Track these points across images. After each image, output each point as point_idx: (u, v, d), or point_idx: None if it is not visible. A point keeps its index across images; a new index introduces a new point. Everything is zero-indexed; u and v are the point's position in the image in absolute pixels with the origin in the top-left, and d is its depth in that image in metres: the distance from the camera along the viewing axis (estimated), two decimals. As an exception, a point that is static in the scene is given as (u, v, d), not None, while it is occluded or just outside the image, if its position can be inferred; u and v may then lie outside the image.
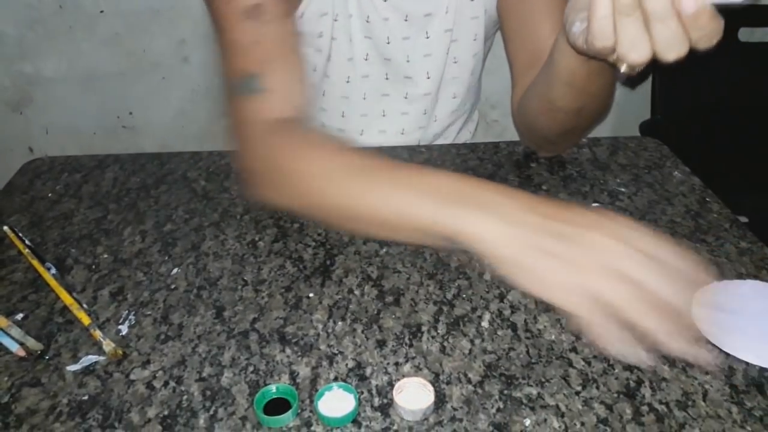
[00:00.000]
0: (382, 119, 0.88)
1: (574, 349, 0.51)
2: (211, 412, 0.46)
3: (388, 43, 0.81)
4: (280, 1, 0.64)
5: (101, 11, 1.22)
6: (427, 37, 0.81)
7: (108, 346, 0.52)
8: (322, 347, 0.52)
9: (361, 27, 0.80)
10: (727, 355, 0.51)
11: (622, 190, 0.74)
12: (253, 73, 0.62)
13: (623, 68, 0.48)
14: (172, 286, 0.59)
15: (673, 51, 0.44)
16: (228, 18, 0.64)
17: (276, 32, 0.64)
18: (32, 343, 0.53)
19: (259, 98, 0.62)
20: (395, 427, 0.45)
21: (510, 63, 0.83)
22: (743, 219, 0.85)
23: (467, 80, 0.88)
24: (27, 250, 0.63)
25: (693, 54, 0.44)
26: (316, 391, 0.48)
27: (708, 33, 0.43)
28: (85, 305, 0.57)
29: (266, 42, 0.63)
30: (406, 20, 0.80)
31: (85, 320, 0.54)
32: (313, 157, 0.57)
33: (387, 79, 0.84)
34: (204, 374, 0.50)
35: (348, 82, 0.84)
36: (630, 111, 1.51)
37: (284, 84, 0.63)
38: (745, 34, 1.35)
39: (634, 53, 0.45)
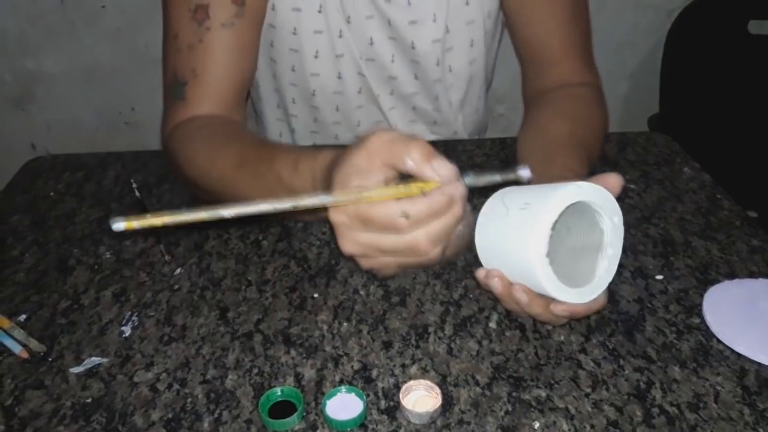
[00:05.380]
0: (375, 116, 0.85)
1: (583, 350, 0.51)
2: (216, 415, 0.46)
3: (372, 44, 0.76)
4: (231, 3, 0.66)
5: (103, 6, 1.21)
6: (413, 48, 0.77)
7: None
8: (328, 349, 0.51)
9: (341, 27, 0.75)
10: (739, 355, 0.50)
11: (632, 187, 0.72)
12: (181, 80, 0.66)
13: None
14: (175, 287, 0.59)
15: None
16: (175, 13, 0.67)
17: (217, 38, 0.66)
18: (35, 344, 0.52)
19: (179, 105, 0.67)
20: (402, 431, 0.44)
21: (516, 54, 0.83)
22: (753, 214, 0.84)
23: (463, 88, 0.84)
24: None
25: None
26: (322, 393, 0.47)
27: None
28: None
29: (204, 46, 0.66)
30: (390, 25, 0.75)
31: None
32: (196, 164, 0.62)
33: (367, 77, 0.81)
34: (208, 376, 0.49)
35: (340, 78, 0.80)
36: (638, 105, 1.50)
37: (206, 95, 0.67)
38: (755, 27, 1.33)
39: None
